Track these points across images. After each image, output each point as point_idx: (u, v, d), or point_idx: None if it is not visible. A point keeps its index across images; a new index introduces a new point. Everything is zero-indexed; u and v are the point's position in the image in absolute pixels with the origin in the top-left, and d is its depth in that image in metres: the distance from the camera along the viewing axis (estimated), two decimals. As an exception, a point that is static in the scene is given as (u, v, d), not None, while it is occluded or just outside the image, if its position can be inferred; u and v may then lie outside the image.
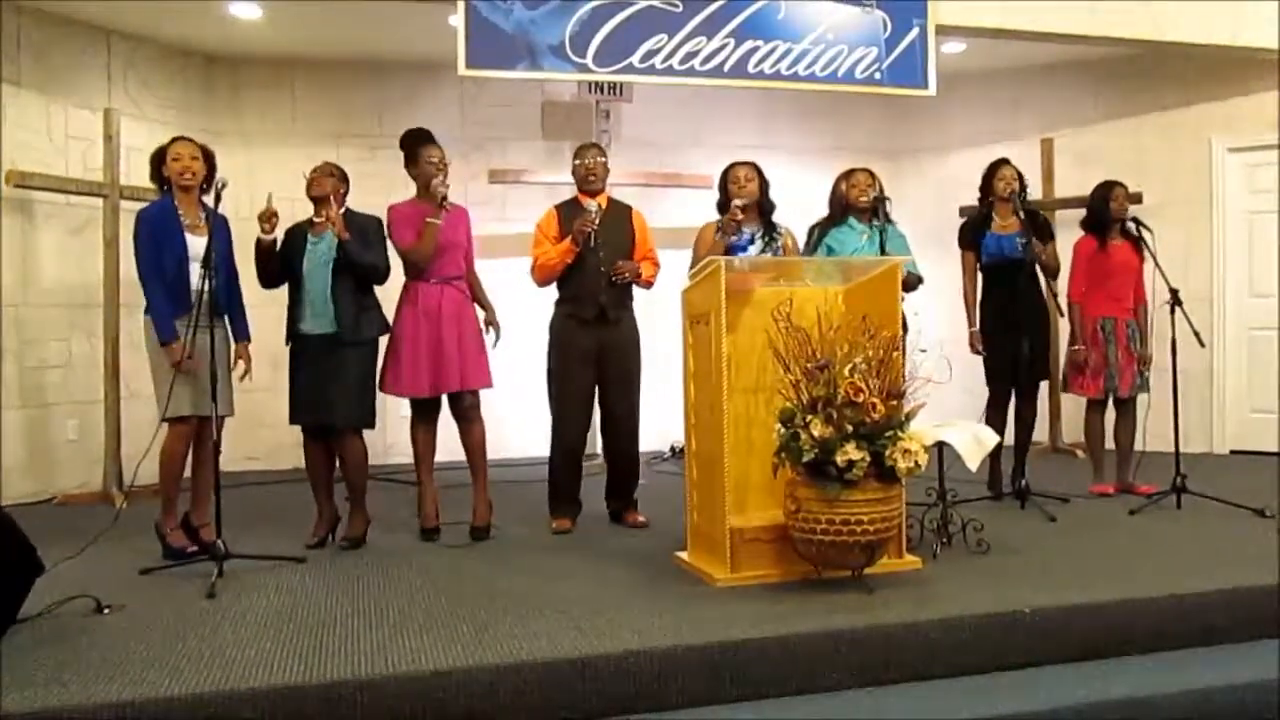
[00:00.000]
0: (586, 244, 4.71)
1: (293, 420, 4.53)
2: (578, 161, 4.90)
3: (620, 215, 4.91)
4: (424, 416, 4.64)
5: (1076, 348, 5.49)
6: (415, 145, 4.65)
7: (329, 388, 4.38)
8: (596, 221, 4.70)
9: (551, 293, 4.93)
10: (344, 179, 4.60)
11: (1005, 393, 5.32)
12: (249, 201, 6.72)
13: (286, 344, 4.54)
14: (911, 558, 3.92)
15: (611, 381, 4.84)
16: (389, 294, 4.64)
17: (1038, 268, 5.24)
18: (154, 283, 4.25)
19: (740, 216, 4.62)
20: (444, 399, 4.64)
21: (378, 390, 4.59)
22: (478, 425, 4.67)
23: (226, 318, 4.40)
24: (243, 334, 4.53)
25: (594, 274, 4.75)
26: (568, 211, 4.84)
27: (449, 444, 4.74)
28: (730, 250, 4.60)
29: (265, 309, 4.69)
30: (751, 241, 4.71)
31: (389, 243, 4.60)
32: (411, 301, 4.58)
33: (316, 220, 4.52)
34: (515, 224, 7.07)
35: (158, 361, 4.26)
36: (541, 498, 4.96)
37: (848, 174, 5.09)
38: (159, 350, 4.24)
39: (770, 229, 4.78)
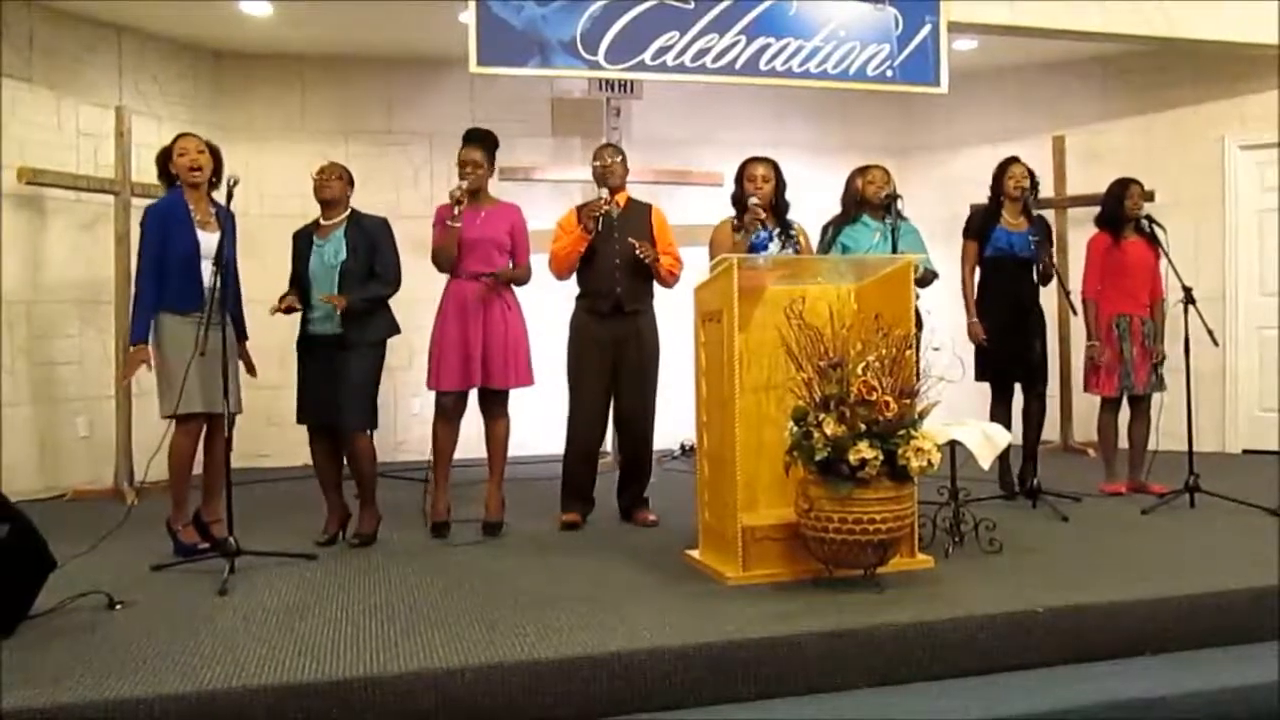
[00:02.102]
0: (604, 237, 4.70)
1: (299, 420, 4.55)
2: (596, 162, 4.90)
3: (639, 213, 4.90)
4: (447, 414, 4.63)
5: (1091, 344, 5.47)
6: (462, 145, 4.69)
7: (335, 389, 4.39)
8: (605, 206, 4.70)
9: (568, 290, 4.92)
10: (350, 182, 4.60)
11: (1008, 389, 5.31)
12: (258, 198, 6.79)
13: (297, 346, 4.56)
14: (923, 557, 3.91)
15: (627, 375, 4.83)
16: (416, 294, 4.64)
17: (1034, 271, 5.24)
18: (149, 278, 4.27)
19: (762, 215, 4.60)
20: (472, 398, 4.65)
21: (425, 386, 4.64)
22: (502, 421, 4.69)
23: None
24: (242, 332, 4.54)
25: (610, 268, 4.75)
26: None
27: (464, 439, 4.74)
28: (750, 249, 4.59)
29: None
30: (771, 239, 4.69)
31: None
32: (447, 297, 4.63)
33: (324, 222, 4.52)
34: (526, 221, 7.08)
35: (165, 357, 4.26)
36: (553, 495, 4.96)
37: (863, 170, 5.07)
38: (169, 346, 4.23)
39: (786, 227, 4.76)
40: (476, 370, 4.54)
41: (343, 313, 4.36)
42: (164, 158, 4.41)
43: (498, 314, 4.60)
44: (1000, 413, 5.25)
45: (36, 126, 5.87)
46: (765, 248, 4.66)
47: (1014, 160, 5.37)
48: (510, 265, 4.68)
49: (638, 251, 4.69)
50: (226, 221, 4.26)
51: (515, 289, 4.72)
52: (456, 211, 4.49)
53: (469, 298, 4.57)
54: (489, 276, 4.58)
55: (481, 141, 4.69)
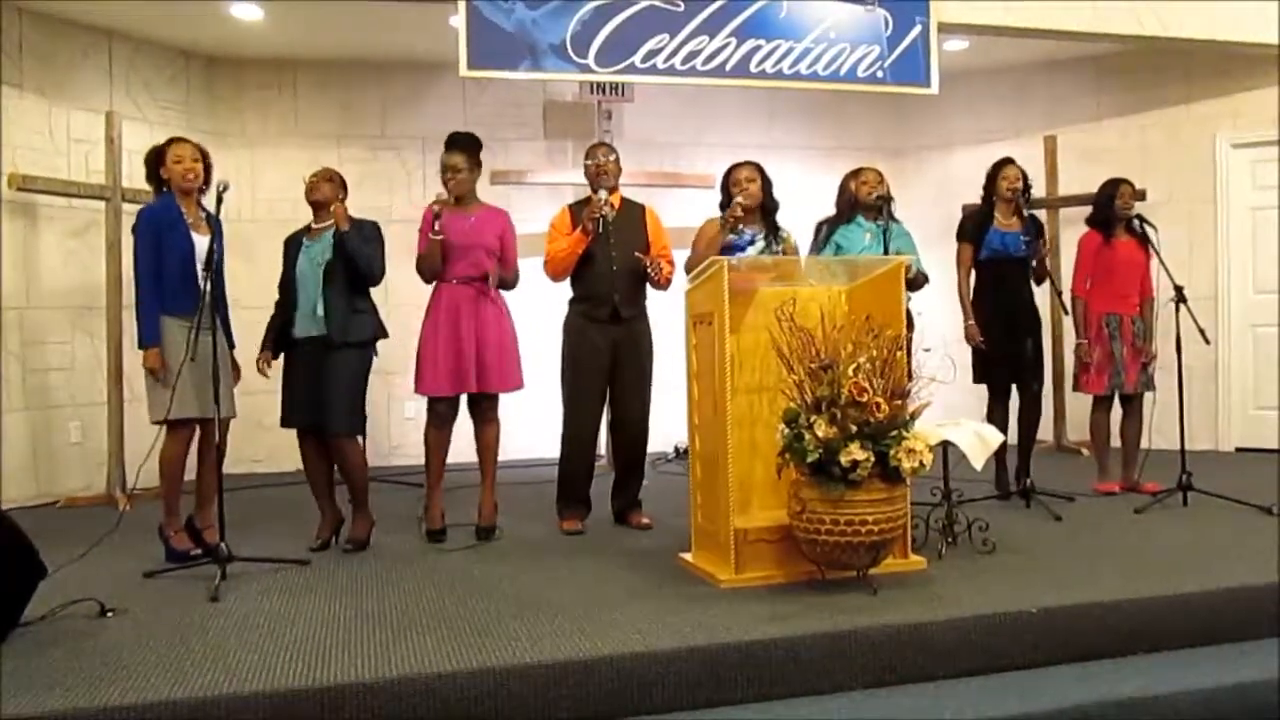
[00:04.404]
0: (600, 240, 4.69)
1: (284, 423, 4.51)
2: (589, 161, 4.87)
3: (633, 214, 4.89)
4: (440, 419, 4.61)
5: (1080, 342, 5.48)
6: (444, 150, 4.68)
7: (321, 391, 4.35)
8: (604, 207, 4.68)
9: (561, 294, 4.91)
10: (343, 185, 4.59)
11: (1005, 390, 5.32)
12: (251, 203, 6.78)
13: (263, 350, 4.53)
14: (916, 558, 3.91)
15: (624, 381, 4.82)
16: (409, 298, 4.64)
17: (1028, 271, 5.25)
18: (149, 282, 4.25)
19: (740, 213, 4.60)
20: (463, 403, 4.64)
21: (412, 390, 4.64)
22: (492, 426, 4.68)
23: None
24: (230, 341, 4.53)
25: (607, 273, 4.73)
26: (581, 210, 4.80)
27: (455, 444, 4.73)
28: (730, 249, 4.59)
29: (269, 312, 4.66)
30: (752, 242, 4.69)
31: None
32: (435, 302, 4.60)
33: (315, 226, 4.51)
34: (518, 225, 7.03)
35: (166, 360, 4.24)
36: (546, 498, 4.96)
37: (856, 172, 5.09)
38: (164, 350, 4.22)
39: (773, 230, 4.75)
40: (470, 375, 4.52)
41: (335, 236, 4.34)
42: (155, 160, 4.39)
43: (490, 318, 4.58)
44: (998, 413, 5.25)
45: (28, 132, 5.86)
46: (745, 250, 4.65)
47: (1008, 161, 5.38)
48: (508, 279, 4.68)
49: (648, 269, 4.68)
50: (216, 226, 4.25)
51: (504, 292, 4.71)
52: (437, 226, 4.48)
53: (461, 303, 4.55)
54: (483, 280, 4.57)
55: (464, 146, 4.66)
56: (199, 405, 4.19)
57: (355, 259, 4.37)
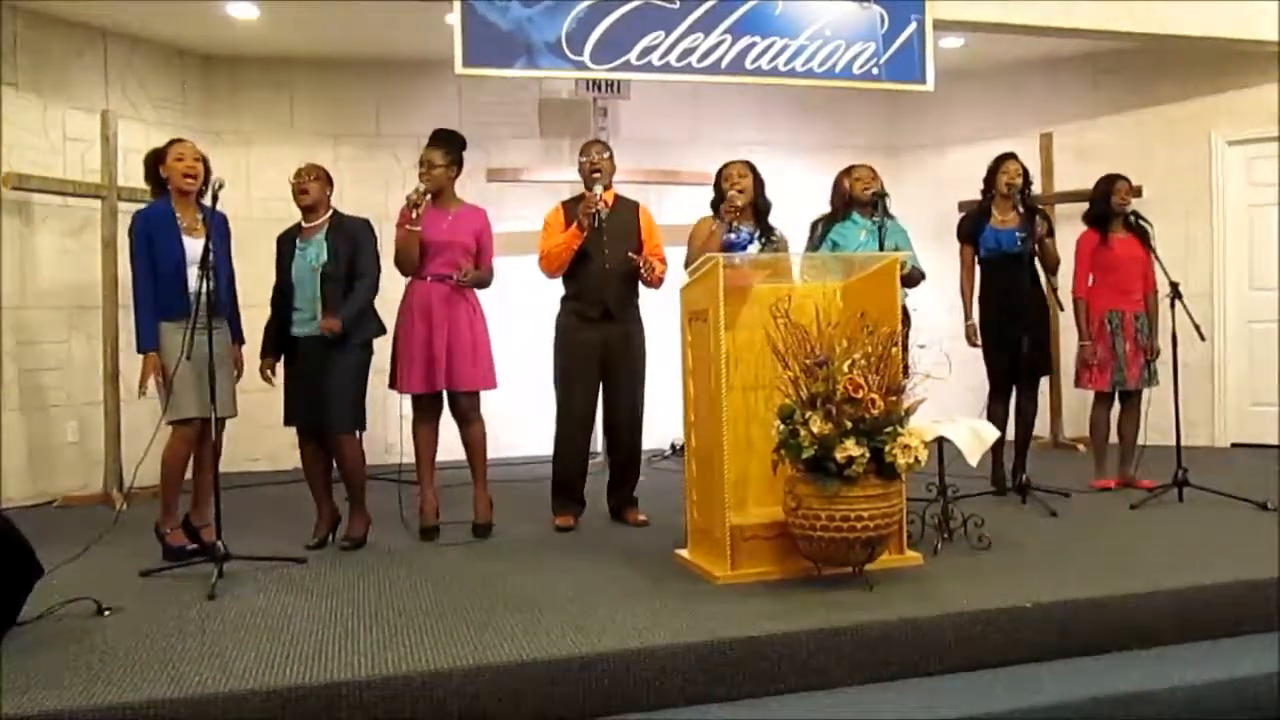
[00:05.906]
0: (594, 238, 4.68)
1: (287, 422, 4.54)
2: (583, 158, 4.86)
3: (627, 212, 4.88)
4: (424, 415, 4.63)
5: (1083, 344, 5.48)
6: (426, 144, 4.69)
7: (321, 390, 4.36)
8: (599, 202, 4.67)
9: (553, 291, 4.91)
10: (329, 182, 4.58)
11: (1006, 387, 5.32)
12: (247, 202, 6.77)
13: (264, 355, 4.54)
14: (912, 554, 3.92)
15: (617, 379, 4.82)
16: (398, 296, 4.65)
17: (1037, 262, 5.24)
18: (144, 286, 4.25)
19: (740, 203, 4.60)
20: (445, 398, 4.64)
21: (388, 389, 4.64)
22: (476, 425, 4.67)
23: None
24: (237, 335, 4.53)
25: (600, 271, 4.72)
26: (575, 206, 4.80)
27: (449, 443, 4.74)
28: (728, 248, 4.59)
29: (267, 310, 4.66)
30: (751, 240, 4.69)
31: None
32: (408, 299, 4.61)
33: (306, 225, 4.51)
34: (513, 222, 7.06)
35: (164, 363, 4.24)
36: (542, 496, 4.96)
37: (849, 170, 5.11)
38: (165, 353, 4.22)
39: (768, 231, 4.75)
40: (440, 373, 4.53)
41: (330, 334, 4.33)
42: (154, 160, 4.38)
43: (463, 316, 4.58)
44: (999, 410, 5.26)
45: (23, 131, 5.85)
46: (745, 248, 4.65)
47: (1009, 156, 5.37)
48: (474, 267, 4.65)
49: (642, 270, 4.68)
50: (216, 223, 4.23)
51: (478, 290, 4.70)
52: (415, 214, 4.48)
53: (433, 300, 4.55)
54: (456, 280, 4.55)
55: (443, 142, 4.65)
56: (200, 405, 4.18)
57: (355, 321, 4.40)
